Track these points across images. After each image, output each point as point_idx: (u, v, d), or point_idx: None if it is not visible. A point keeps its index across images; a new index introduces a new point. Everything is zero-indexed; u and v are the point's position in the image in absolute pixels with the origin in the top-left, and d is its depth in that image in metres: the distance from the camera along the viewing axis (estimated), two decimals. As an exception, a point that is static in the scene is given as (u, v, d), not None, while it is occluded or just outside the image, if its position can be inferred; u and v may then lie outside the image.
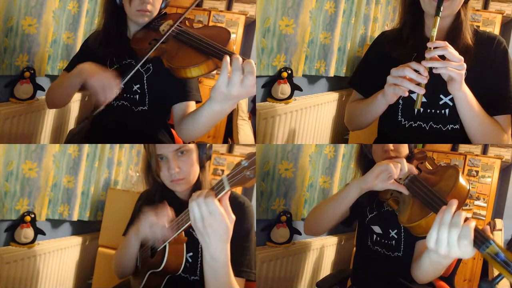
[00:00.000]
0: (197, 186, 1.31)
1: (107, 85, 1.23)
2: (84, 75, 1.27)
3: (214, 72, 1.21)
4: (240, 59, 1.05)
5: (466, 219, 0.89)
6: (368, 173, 1.23)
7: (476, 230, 0.87)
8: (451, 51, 1.12)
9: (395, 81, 1.16)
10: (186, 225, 1.10)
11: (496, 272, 0.84)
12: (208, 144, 1.33)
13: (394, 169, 1.18)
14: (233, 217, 0.95)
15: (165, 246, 1.19)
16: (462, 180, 1.08)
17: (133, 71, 1.26)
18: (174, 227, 1.17)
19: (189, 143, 1.35)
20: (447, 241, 0.87)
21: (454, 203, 0.91)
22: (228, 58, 1.06)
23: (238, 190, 2.31)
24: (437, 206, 1.01)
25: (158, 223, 1.18)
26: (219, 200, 0.94)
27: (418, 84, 1.14)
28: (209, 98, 1.13)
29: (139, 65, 1.25)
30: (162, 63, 1.25)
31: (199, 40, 1.20)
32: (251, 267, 1.22)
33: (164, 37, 1.25)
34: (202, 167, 1.32)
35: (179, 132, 1.36)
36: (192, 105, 1.39)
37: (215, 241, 0.93)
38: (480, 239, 0.85)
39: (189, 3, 1.29)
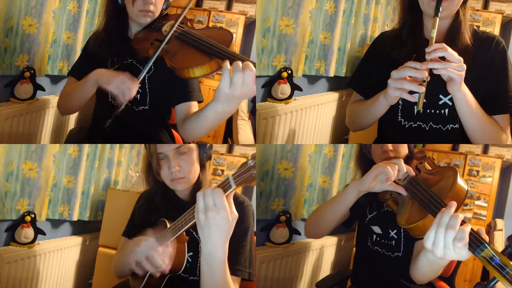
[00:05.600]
0: (197, 185, 1.32)
1: (125, 89, 1.28)
2: (100, 82, 1.31)
3: (214, 72, 1.23)
4: (240, 62, 1.09)
5: (463, 223, 0.89)
6: (366, 175, 1.23)
7: (472, 233, 0.87)
8: (450, 52, 1.13)
9: (396, 84, 1.16)
10: (188, 225, 1.12)
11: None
12: (208, 144, 1.34)
13: (392, 171, 1.18)
14: (236, 214, 0.98)
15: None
16: (460, 181, 1.08)
17: (146, 68, 1.30)
18: (175, 226, 1.17)
19: (189, 142, 1.35)
20: (443, 243, 0.88)
21: (453, 205, 0.92)
22: (228, 61, 1.11)
23: (238, 189, 2.31)
24: (435, 208, 1.01)
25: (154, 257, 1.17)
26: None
27: (420, 84, 1.14)
28: (213, 99, 1.17)
29: (149, 65, 1.29)
30: (164, 63, 1.26)
31: (202, 40, 1.22)
32: (246, 266, 1.23)
33: (168, 37, 1.27)
34: (202, 166, 1.33)
35: (182, 132, 1.37)
36: (194, 105, 1.40)
37: (215, 236, 0.96)
38: (475, 242, 0.85)
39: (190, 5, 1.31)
